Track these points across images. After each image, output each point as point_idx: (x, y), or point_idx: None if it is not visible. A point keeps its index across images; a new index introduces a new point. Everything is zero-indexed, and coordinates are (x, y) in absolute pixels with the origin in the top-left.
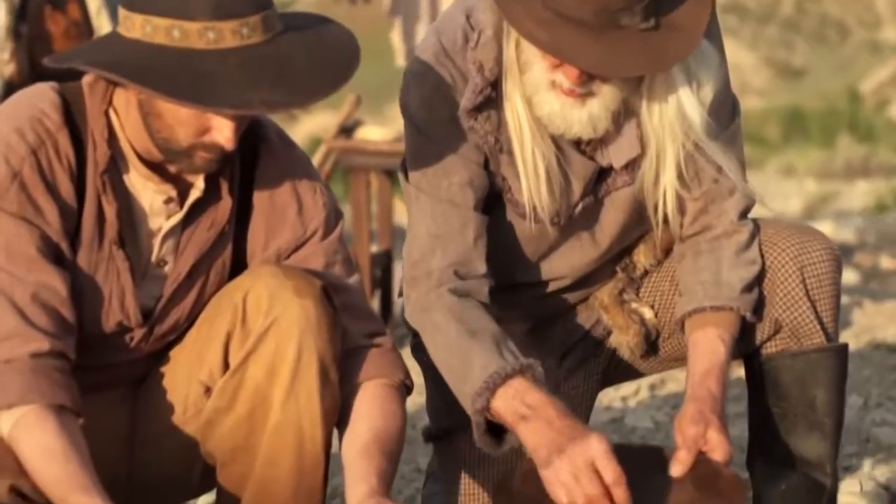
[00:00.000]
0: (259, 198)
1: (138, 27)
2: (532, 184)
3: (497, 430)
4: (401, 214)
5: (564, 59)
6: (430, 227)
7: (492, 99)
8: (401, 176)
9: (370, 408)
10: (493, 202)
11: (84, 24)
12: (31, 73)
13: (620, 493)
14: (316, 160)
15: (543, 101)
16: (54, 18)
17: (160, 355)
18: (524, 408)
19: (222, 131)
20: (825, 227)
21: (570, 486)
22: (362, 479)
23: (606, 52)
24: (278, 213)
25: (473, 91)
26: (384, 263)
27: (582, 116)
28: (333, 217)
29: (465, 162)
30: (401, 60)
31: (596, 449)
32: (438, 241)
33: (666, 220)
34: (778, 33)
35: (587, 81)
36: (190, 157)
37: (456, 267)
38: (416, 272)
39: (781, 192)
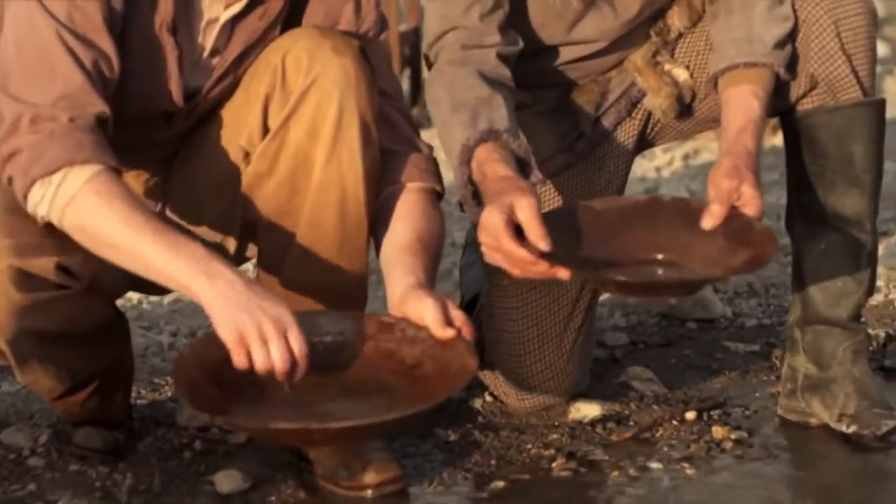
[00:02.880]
0: None
1: None
2: None
3: None
4: None
5: None
6: (439, 9)
7: None
8: None
9: (411, 210)
10: None
11: None
12: None
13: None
14: None
15: None
16: None
17: (195, 127)
18: (480, 174)
19: None
20: None
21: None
22: (409, 273)
23: None
24: (335, 9)
25: None
26: (413, 41)
27: None
28: (382, 20)
29: None
30: None
31: (520, 204)
32: (446, 22)
33: None
34: None
35: None
36: None
37: (463, 43)
38: (429, 53)
39: None
